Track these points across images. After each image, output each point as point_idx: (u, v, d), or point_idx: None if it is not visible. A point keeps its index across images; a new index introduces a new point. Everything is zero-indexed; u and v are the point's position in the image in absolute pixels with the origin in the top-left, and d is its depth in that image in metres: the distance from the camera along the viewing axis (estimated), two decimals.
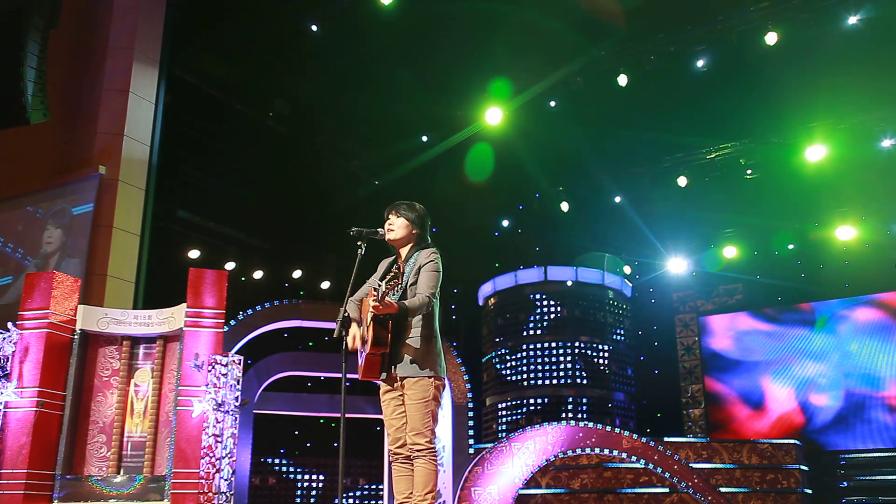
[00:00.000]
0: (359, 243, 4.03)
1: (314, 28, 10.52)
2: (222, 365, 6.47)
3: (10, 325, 6.33)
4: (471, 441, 10.20)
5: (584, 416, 13.62)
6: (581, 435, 9.39)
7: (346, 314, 4.00)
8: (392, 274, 4.06)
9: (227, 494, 6.35)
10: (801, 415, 14.60)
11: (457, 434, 10.08)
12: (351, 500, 13.41)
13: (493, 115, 11.78)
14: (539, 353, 14.23)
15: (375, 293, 3.73)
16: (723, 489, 9.65)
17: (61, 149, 9.15)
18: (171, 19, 9.72)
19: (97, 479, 6.34)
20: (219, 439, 6.36)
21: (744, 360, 15.56)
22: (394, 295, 3.96)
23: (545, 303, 14.52)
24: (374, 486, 13.39)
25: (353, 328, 4.06)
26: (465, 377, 10.41)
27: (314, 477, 13.41)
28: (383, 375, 3.98)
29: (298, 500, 13.18)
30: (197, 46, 10.76)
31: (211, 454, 6.30)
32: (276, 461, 13.42)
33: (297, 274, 13.85)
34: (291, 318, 10.11)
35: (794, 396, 14.75)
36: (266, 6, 10.58)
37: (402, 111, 12.26)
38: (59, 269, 7.92)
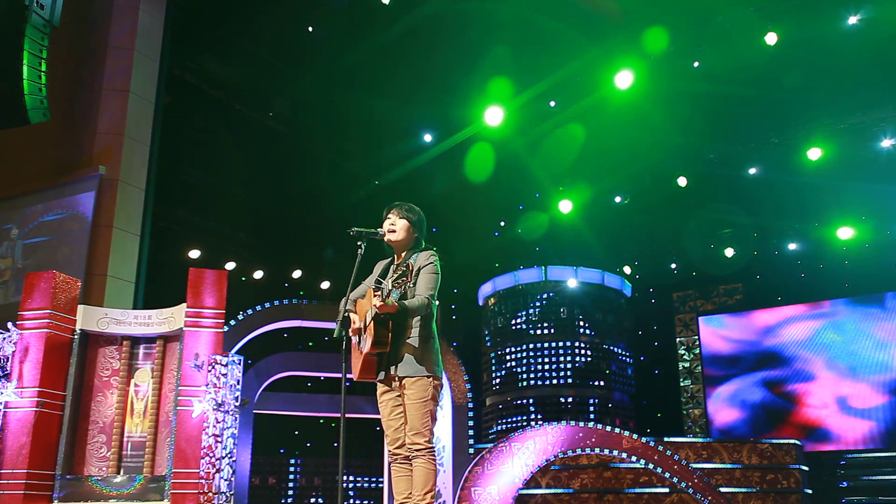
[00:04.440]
0: (359, 243, 4.02)
1: (313, 28, 10.53)
2: (222, 365, 6.47)
3: (10, 324, 6.33)
4: (471, 441, 10.19)
5: (585, 416, 13.61)
6: (581, 435, 9.38)
7: (346, 314, 4.00)
8: (400, 272, 4.05)
9: (227, 494, 6.35)
10: (801, 414, 14.61)
11: (457, 434, 10.06)
12: (351, 500, 13.41)
13: (493, 116, 11.75)
14: (539, 353, 14.22)
15: (379, 292, 3.72)
16: (723, 489, 9.65)
17: (61, 149, 9.14)
18: (171, 19, 9.73)
19: (97, 479, 6.34)
20: (219, 439, 6.35)
21: (744, 359, 15.56)
22: (396, 293, 3.94)
23: (545, 303, 14.51)
24: (373, 486, 13.39)
25: (355, 316, 4.05)
26: (465, 377, 10.41)
27: (314, 477, 13.40)
28: (380, 376, 3.98)
29: (298, 501, 13.18)
30: (197, 46, 10.76)
31: (211, 454, 6.29)
32: (276, 461, 13.41)
33: (297, 274, 13.86)
34: (291, 318, 10.10)
35: (794, 396, 14.75)
36: (266, 6, 10.57)
37: (402, 111, 12.25)
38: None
